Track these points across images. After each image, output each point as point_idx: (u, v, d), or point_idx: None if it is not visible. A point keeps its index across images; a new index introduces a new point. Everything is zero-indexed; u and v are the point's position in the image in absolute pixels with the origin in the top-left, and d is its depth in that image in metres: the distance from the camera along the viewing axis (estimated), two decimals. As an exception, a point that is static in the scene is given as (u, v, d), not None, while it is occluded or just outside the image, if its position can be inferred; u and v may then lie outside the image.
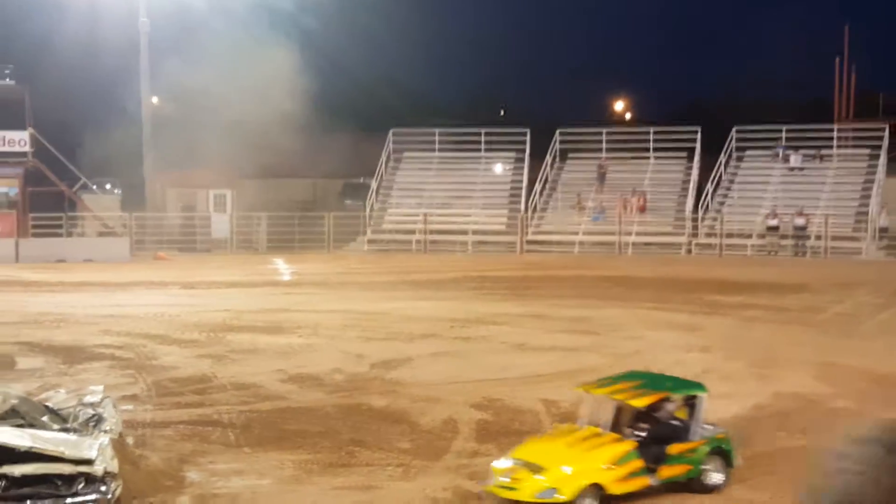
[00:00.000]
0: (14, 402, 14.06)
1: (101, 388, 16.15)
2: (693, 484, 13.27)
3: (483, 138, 51.72)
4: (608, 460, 12.67)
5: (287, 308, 28.57)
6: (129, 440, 14.23)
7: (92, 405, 14.88)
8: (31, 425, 13.46)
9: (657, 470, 12.98)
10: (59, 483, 11.87)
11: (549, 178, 50.78)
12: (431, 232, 47.85)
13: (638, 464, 12.81)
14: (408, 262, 41.60)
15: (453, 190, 50.32)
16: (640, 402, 13.34)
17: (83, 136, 46.70)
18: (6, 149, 45.63)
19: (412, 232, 48.27)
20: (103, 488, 11.80)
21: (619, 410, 13.63)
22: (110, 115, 44.78)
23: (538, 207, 49.65)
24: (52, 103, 45.95)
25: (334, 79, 50.36)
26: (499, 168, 51.82)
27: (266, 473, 14.04)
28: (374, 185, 50.81)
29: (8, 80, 45.73)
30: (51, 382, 17.81)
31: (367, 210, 49.78)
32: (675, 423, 13.56)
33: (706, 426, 13.66)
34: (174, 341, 23.37)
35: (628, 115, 76.38)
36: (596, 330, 25.07)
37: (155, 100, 51.60)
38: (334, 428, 16.27)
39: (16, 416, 13.76)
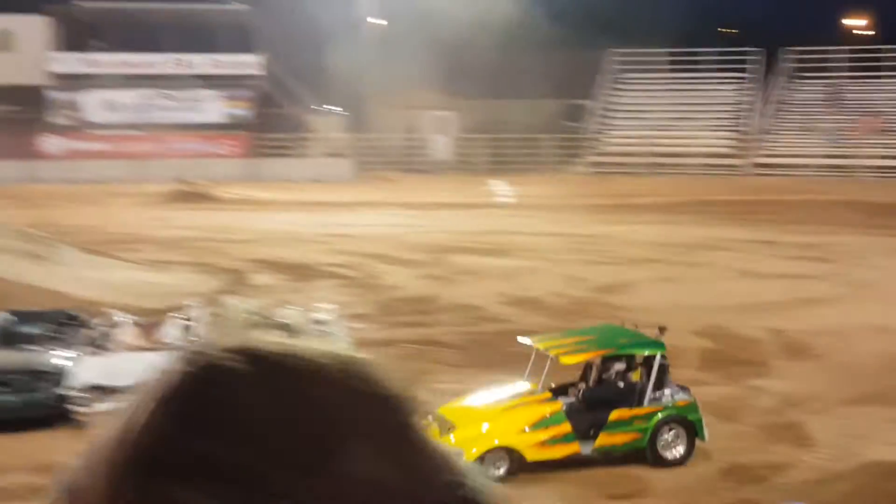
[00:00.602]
0: (249, 318, 14.64)
1: (331, 305, 16.66)
2: (647, 455, 11.71)
3: (710, 58, 50.15)
4: (525, 422, 11.39)
5: (508, 230, 28.62)
6: (358, 357, 14.57)
7: (322, 322, 15.36)
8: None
9: (595, 436, 11.57)
10: None
11: (780, 99, 48.84)
12: (654, 154, 46.91)
13: (563, 428, 11.47)
14: (630, 186, 40.96)
15: (678, 111, 49.10)
16: (569, 360, 12.03)
17: (310, 57, 47.81)
18: (238, 72, 47.28)
19: (634, 154, 47.45)
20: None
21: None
22: (336, 36, 45.58)
23: (767, 129, 47.90)
24: (281, 26, 47.14)
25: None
26: (726, 88, 50.17)
27: (489, 394, 14.15)
28: (595, 106, 50.13)
29: (240, 4, 47.21)
30: (283, 299, 18.43)
31: (589, 132, 49.20)
32: (621, 385, 12.07)
33: (672, 391, 12.08)
34: (398, 261, 23.80)
35: (865, 33, 72.39)
36: (828, 257, 24.06)
37: (379, 21, 52.26)
38: (556, 351, 16.24)
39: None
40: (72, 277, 19.13)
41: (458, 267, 23.10)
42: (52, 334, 14.74)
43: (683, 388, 12.30)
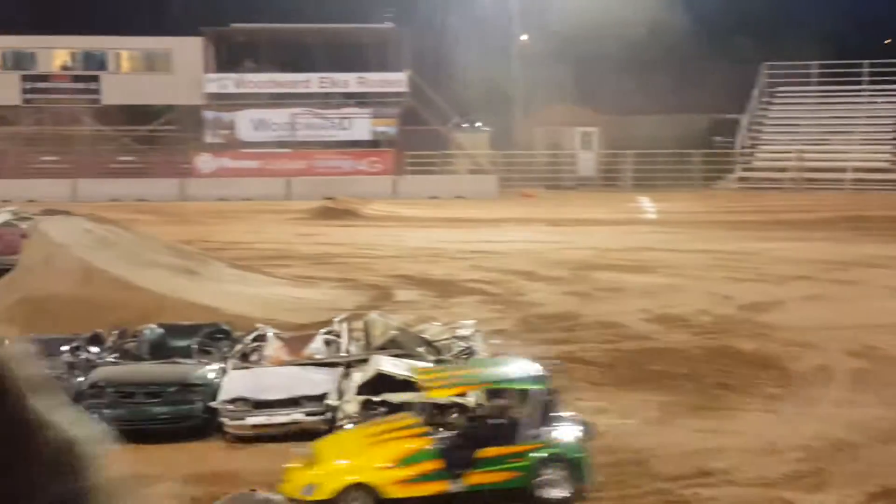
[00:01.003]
0: (394, 333, 14.84)
1: (472, 322, 16.72)
2: (528, 494, 11.09)
3: (865, 70, 48.65)
4: (389, 458, 10.97)
5: (652, 247, 28.26)
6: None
7: (464, 338, 15.44)
8: (409, 356, 14.15)
9: (465, 474, 11.05)
10: (435, 412, 12.39)
11: (941, 112, 47.05)
12: (806, 169, 45.71)
13: (434, 465, 10.97)
14: (780, 201, 39.99)
15: (831, 125, 47.73)
16: (437, 394, 11.61)
17: (454, 74, 48.21)
18: (384, 89, 47.94)
19: (785, 169, 46.35)
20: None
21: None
22: (481, 54, 45.83)
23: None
24: (427, 44, 47.66)
25: (699, 10, 48.77)
26: (883, 101, 48.54)
27: (630, 413, 14.00)
28: (744, 121, 49.16)
29: (387, 23, 47.91)
30: (426, 315, 18.59)
31: (739, 147, 48.28)
32: (501, 421, 11.49)
33: (557, 428, 11.34)
34: (540, 278, 23.75)
35: None
36: None
37: (524, 38, 52.36)
38: (700, 370, 15.99)
39: (395, 346, 14.52)
40: (222, 292, 19.66)
41: (601, 283, 22.93)
42: (203, 348, 15.17)
43: (583, 425, 11.59)
